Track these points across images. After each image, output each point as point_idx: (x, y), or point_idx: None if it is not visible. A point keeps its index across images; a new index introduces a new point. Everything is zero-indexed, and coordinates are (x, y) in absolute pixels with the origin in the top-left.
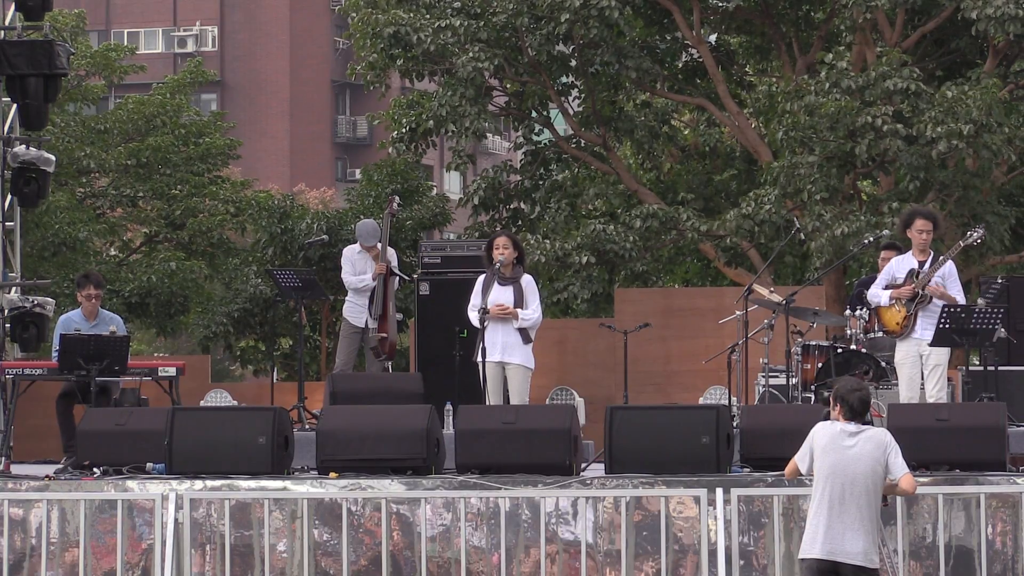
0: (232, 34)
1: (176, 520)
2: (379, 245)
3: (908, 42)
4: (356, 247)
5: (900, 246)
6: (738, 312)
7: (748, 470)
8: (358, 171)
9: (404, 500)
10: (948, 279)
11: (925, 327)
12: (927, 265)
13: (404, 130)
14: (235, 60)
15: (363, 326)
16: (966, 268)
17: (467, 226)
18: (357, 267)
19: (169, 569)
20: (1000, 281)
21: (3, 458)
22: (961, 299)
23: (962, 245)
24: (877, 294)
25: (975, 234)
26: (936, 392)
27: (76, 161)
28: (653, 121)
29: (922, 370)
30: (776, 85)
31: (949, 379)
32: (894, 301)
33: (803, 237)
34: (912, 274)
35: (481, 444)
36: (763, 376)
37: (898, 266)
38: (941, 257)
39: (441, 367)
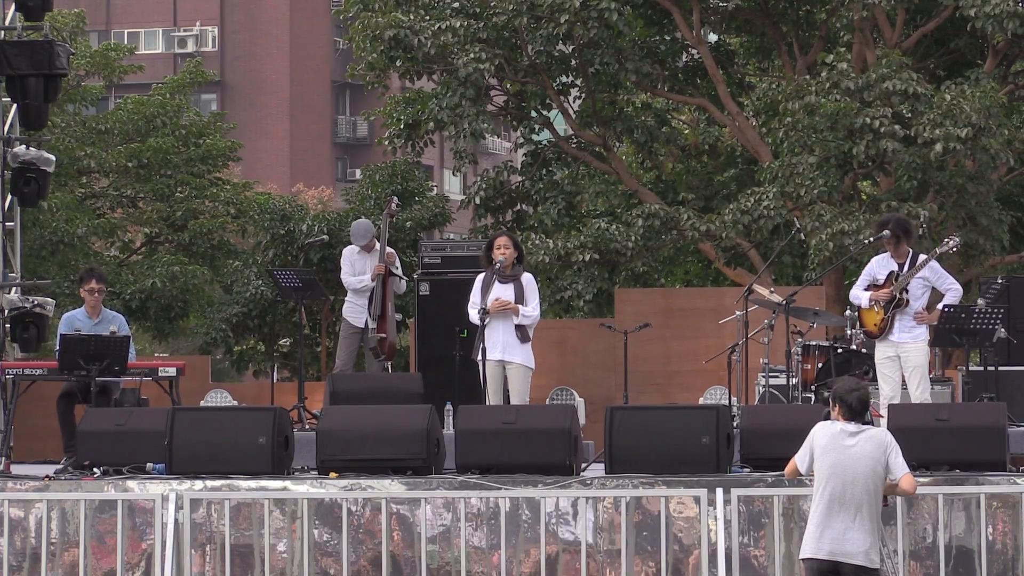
0: (232, 34)
1: (176, 520)
2: (377, 245)
3: (908, 42)
4: (355, 247)
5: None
6: (738, 312)
7: (748, 470)
8: (358, 171)
9: (404, 500)
10: (935, 279)
11: (902, 329)
12: (906, 267)
13: (401, 127)
14: (235, 60)
15: (362, 326)
16: (966, 269)
17: (470, 228)
18: (356, 267)
19: (169, 569)
20: (1000, 281)
21: (3, 458)
22: (956, 290)
23: (938, 252)
24: (858, 295)
25: (951, 242)
26: (920, 394)
27: (76, 161)
28: (653, 121)
29: (902, 372)
30: (777, 84)
31: (949, 379)
32: (873, 303)
33: (803, 237)
34: (892, 276)
35: (481, 444)
36: (763, 376)
37: (878, 267)
38: (920, 260)
39: (441, 367)
